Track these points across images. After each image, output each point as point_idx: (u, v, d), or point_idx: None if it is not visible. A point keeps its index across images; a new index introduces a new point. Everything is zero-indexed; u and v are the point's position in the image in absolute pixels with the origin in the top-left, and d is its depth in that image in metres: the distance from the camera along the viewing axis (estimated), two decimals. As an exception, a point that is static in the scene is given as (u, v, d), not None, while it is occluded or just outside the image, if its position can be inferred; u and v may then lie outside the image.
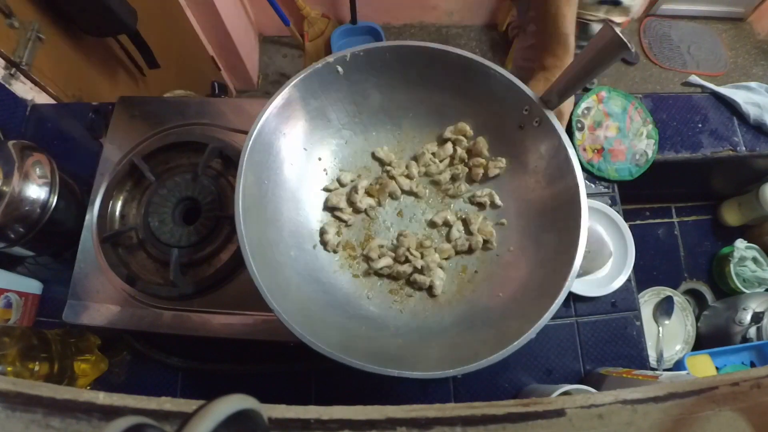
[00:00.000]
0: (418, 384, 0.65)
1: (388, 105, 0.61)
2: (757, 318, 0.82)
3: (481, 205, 0.61)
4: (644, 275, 0.99)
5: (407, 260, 0.58)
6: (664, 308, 0.92)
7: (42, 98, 0.81)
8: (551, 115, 0.52)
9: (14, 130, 0.76)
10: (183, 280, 0.61)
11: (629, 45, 0.41)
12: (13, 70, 0.75)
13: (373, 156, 0.63)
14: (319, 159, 0.61)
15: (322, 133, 0.60)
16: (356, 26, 1.83)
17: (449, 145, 0.62)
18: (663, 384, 0.27)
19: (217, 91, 0.81)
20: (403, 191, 0.62)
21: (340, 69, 0.55)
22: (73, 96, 0.88)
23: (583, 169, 0.73)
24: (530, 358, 0.66)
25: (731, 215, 0.98)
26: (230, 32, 1.56)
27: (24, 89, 0.78)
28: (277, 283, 0.49)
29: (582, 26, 1.01)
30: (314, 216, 0.60)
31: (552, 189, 0.54)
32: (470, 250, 0.59)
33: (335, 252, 0.59)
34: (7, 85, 0.74)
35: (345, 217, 0.60)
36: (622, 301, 0.69)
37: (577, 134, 0.77)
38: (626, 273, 0.69)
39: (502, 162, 0.60)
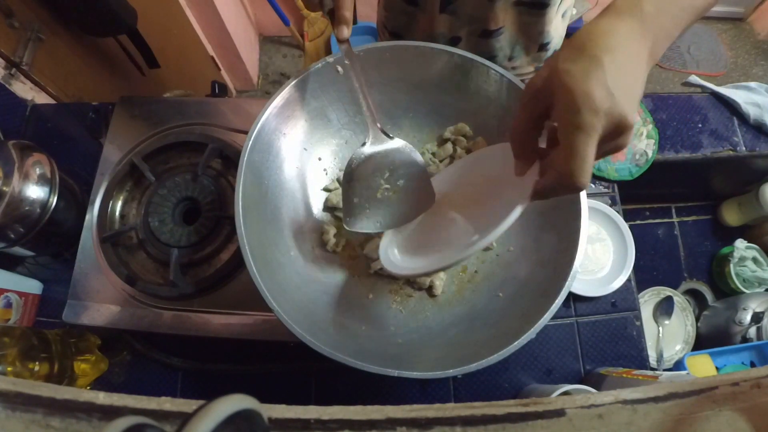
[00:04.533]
0: (418, 384, 0.65)
1: (388, 105, 0.61)
2: (757, 318, 0.82)
3: (481, 205, 0.61)
4: (644, 275, 0.99)
5: (407, 260, 0.58)
6: (664, 308, 0.92)
7: (42, 98, 0.81)
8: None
9: (14, 130, 0.76)
10: (183, 280, 0.61)
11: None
12: (13, 70, 0.75)
13: (373, 156, 0.63)
14: (319, 159, 0.61)
15: (322, 133, 0.61)
16: (356, 26, 1.83)
17: (449, 146, 0.62)
18: (663, 384, 0.27)
19: (217, 91, 0.81)
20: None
21: (340, 69, 0.55)
22: (73, 96, 0.88)
23: (583, 169, 0.73)
24: (530, 358, 0.66)
25: (731, 215, 0.98)
26: (230, 32, 1.56)
27: (24, 89, 0.78)
28: (277, 283, 0.49)
29: None
30: (314, 216, 0.60)
31: (552, 189, 0.54)
32: (470, 250, 0.59)
33: (335, 252, 0.59)
34: (7, 85, 0.74)
35: (345, 217, 0.60)
36: (622, 301, 0.69)
37: (577, 134, 0.77)
38: (626, 273, 0.69)
39: (502, 162, 0.60)
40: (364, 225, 0.52)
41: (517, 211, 0.37)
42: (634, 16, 0.32)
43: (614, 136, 0.31)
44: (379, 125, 0.50)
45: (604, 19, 0.33)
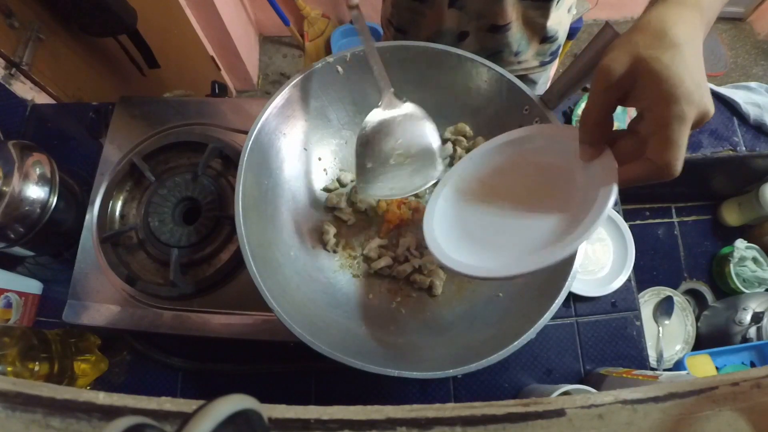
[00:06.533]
0: (418, 384, 0.65)
1: (388, 105, 0.61)
2: (757, 318, 0.82)
3: (481, 205, 0.61)
4: (644, 275, 0.99)
5: (407, 260, 0.58)
6: (664, 308, 0.92)
7: (42, 98, 0.81)
8: (551, 115, 0.52)
9: (14, 130, 0.76)
10: (183, 280, 0.61)
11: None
12: (13, 70, 0.75)
13: (373, 156, 0.63)
14: (319, 159, 0.61)
15: (322, 133, 0.61)
16: (356, 26, 1.83)
17: (449, 146, 0.62)
18: (663, 384, 0.27)
19: (217, 91, 0.81)
20: (403, 191, 0.62)
21: (340, 69, 0.55)
22: (73, 96, 0.88)
23: (583, 169, 0.73)
24: (530, 358, 0.66)
25: (731, 215, 0.98)
26: (230, 32, 1.56)
27: (24, 89, 0.78)
28: (277, 283, 0.49)
29: None
30: (314, 216, 0.60)
31: (552, 189, 0.54)
32: (470, 250, 0.59)
33: (335, 252, 0.59)
34: (7, 85, 0.74)
35: (345, 217, 0.60)
36: (622, 301, 0.69)
37: (577, 134, 0.77)
38: (626, 273, 0.69)
39: (502, 162, 0.60)
40: (378, 191, 0.51)
41: (612, 198, 0.35)
42: (695, 7, 0.33)
43: (695, 127, 0.32)
44: (392, 89, 0.49)
45: (669, 7, 0.33)
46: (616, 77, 0.33)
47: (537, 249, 0.38)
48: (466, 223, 0.46)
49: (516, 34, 0.67)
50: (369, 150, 0.50)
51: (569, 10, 0.69)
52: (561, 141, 0.40)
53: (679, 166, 0.31)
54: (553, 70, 0.81)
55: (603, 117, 0.35)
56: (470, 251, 0.43)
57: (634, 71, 0.32)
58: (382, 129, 0.50)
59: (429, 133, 0.51)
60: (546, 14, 0.65)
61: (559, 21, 0.68)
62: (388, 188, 0.51)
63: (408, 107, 0.50)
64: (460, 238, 0.45)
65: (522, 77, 0.76)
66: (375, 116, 0.50)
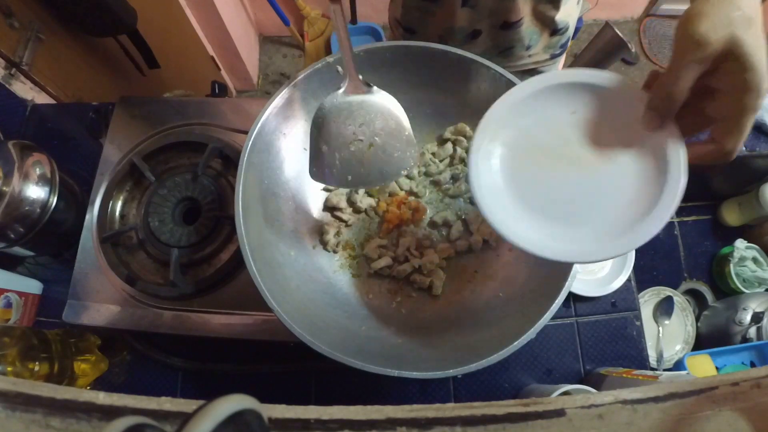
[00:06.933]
0: (418, 384, 0.65)
1: (388, 105, 0.61)
2: (757, 318, 0.82)
3: (481, 205, 0.61)
4: (644, 275, 0.99)
5: (407, 260, 0.58)
6: (664, 308, 0.92)
7: (42, 98, 0.81)
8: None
9: (14, 130, 0.76)
10: (183, 280, 0.61)
11: (629, 45, 0.41)
12: (13, 70, 0.75)
13: (373, 156, 0.63)
14: (319, 159, 0.61)
15: (322, 133, 0.60)
16: (356, 26, 1.83)
17: (449, 145, 0.62)
18: (663, 384, 0.27)
19: (217, 91, 0.81)
20: (403, 191, 0.62)
21: (340, 69, 0.55)
22: (73, 96, 0.88)
23: (583, 169, 0.73)
24: (530, 358, 0.66)
25: (731, 215, 0.98)
26: (230, 32, 1.56)
27: (24, 89, 0.78)
28: (277, 283, 0.49)
29: None
30: (314, 216, 0.60)
31: (552, 189, 0.54)
32: (470, 250, 0.59)
33: (335, 252, 0.59)
34: (7, 85, 0.74)
35: (345, 217, 0.60)
36: (622, 301, 0.69)
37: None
38: (626, 273, 0.69)
39: (502, 162, 0.60)
40: (332, 178, 0.48)
41: (686, 170, 0.34)
42: None
43: None
44: (360, 77, 0.46)
45: None
46: (713, 51, 0.30)
47: (616, 224, 0.36)
48: (522, 190, 0.39)
49: (528, 29, 0.68)
50: (325, 132, 0.46)
51: (578, 2, 0.70)
52: (621, 97, 0.36)
53: (737, 152, 0.33)
54: (561, 63, 0.81)
55: (685, 89, 0.32)
56: (540, 226, 0.37)
57: (729, 50, 0.30)
58: (342, 111, 0.46)
59: (399, 123, 0.46)
60: (557, 6, 0.65)
61: (568, 13, 0.68)
62: (346, 177, 0.47)
63: (377, 94, 0.46)
64: (520, 209, 0.38)
65: (532, 71, 0.76)
66: (335, 97, 0.46)
